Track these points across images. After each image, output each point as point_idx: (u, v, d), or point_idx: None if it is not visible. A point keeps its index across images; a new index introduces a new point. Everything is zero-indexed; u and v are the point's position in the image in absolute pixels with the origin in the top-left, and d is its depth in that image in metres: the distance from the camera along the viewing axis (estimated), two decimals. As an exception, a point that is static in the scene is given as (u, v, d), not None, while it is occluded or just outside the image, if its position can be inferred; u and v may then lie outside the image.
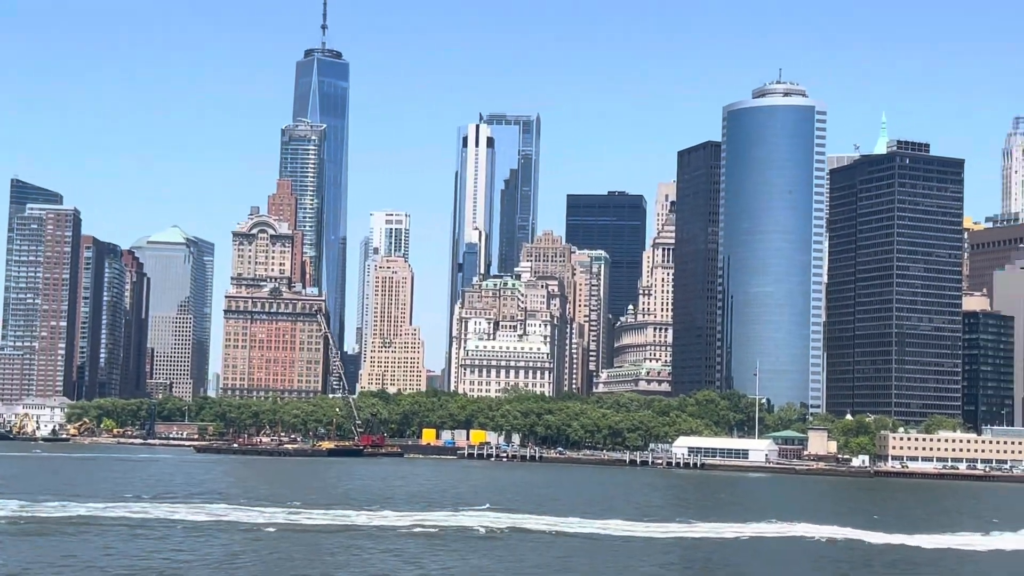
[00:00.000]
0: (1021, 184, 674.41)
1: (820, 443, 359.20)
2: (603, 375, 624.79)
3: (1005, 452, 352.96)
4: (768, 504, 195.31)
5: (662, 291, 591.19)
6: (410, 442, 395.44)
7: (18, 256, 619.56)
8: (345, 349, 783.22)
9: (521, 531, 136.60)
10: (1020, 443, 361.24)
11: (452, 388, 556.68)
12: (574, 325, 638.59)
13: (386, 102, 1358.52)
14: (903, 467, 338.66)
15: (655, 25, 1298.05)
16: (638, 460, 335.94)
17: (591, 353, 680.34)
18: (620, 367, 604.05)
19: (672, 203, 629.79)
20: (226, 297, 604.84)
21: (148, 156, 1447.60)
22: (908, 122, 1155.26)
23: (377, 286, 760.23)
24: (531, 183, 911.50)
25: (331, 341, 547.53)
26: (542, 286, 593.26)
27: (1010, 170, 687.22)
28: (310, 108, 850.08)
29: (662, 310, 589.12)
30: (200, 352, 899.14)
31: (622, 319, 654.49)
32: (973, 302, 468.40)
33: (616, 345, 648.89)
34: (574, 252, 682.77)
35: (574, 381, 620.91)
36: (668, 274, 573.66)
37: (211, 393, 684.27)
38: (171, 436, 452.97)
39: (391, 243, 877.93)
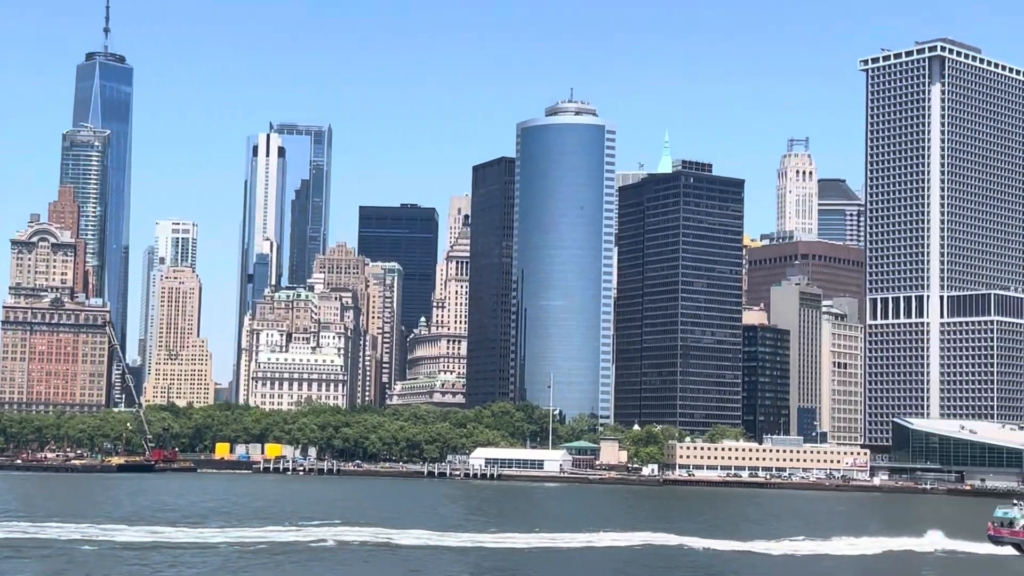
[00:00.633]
0: (795, 203, 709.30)
1: (612, 453, 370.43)
2: (397, 387, 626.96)
3: (783, 460, 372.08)
4: (567, 513, 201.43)
5: (456, 304, 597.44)
6: (203, 456, 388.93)
7: None
8: (127, 361, 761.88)
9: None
10: (797, 451, 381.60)
11: (242, 401, 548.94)
12: (367, 337, 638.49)
13: (173, 109, 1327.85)
14: (690, 475, 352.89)
15: (451, 39, 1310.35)
16: (436, 472, 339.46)
17: (384, 365, 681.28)
18: (414, 379, 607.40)
19: (466, 217, 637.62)
20: (3, 307, 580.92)
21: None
22: (691, 142, 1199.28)
23: (163, 296, 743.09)
24: (323, 194, 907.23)
25: (118, 353, 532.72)
26: (335, 298, 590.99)
27: (784, 190, 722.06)
28: (91, 113, 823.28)
29: (456, 322, 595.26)
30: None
31: (415, 331, 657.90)
32: (752, 316, 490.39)
33: (410, 357, 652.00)
34: (367, 264, 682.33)
35: (367, 393, 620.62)
36: (462, 287, 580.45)
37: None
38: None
39: (177, 253, 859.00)
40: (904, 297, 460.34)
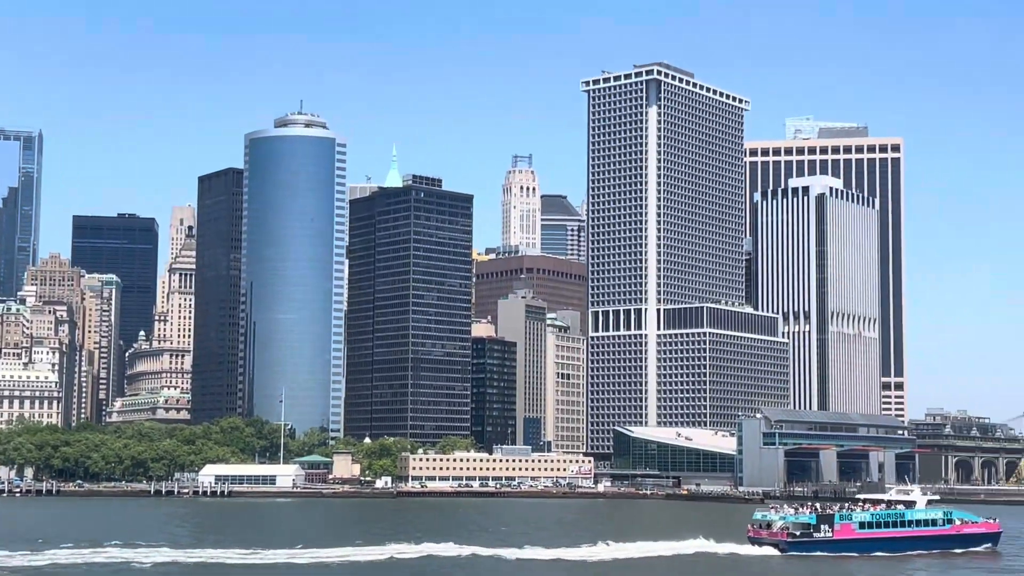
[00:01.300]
0: (519, 219, 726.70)
1: (345, 466, 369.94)
2: (117, 404, 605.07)
3: (513, 469, 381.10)
4: (295, 528, 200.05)
5: (179, 317, 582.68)
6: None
7: None
8: None
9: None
10: (525, 460, 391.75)
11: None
12: (83, 352, 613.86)
13: None
14: (423, 487, 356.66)
15: (174, 47, 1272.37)
16: (163, 490, 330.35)
17: (102, 381, 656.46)
18: (136, 395, 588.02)
19: (189, 228, 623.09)
20: None
21: None
22: (418, 156, 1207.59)
23: None
24: (32, 202, 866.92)
25: None
26: (49, 311, 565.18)
27: (509, 205, 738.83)
28: None
29: (179, 336, 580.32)
30: None
31: (135, 346, 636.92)
32: (480, 329, 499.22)
33: (129, 373, 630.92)
34: (83, 276, 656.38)
35: (84, 410, 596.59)
36: (186, 300, 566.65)
37: None
38: None
39: None
40: (624, 310, 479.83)
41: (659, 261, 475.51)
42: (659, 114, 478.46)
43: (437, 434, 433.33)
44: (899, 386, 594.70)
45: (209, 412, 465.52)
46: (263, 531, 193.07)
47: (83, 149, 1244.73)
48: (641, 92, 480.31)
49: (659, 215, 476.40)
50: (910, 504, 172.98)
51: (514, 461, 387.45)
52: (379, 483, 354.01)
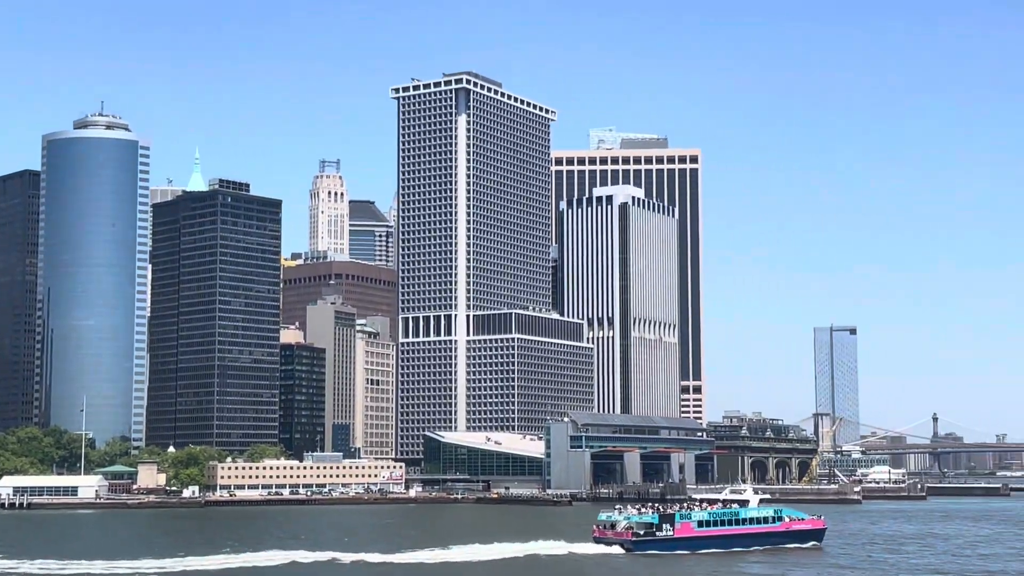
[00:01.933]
0: (327, 224, 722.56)
1: (150, 476, 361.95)
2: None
3: (324, 477, 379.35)
4: (95, 541, 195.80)
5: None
6: None
7: None
8: None
9: None
10: (336, 467, 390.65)
11: None
12: None
13: None
14: (231, 495, 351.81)
15: None
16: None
17: None
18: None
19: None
20: None
21: None
22: (222, 159, 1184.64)
23: None
24: None
25: None
26: None
27: (317, 210, 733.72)
28: None
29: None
30: None
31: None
32: (288, 335, 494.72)
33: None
34: None
35: None
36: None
37: None
38: None
39: None
40: (434, 316, 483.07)
41: (468, 267, 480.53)
42: (468, 122, 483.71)
43: (244, 442, 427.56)
44: (697, 389, 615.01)
45: (2, 422, 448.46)
46: (73, 543, 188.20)
47: None
48: (450, 100, 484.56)
49: (468, 222, 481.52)
50: (744, 503, 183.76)
51: (325, 468, 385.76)
52: (186, 492, 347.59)
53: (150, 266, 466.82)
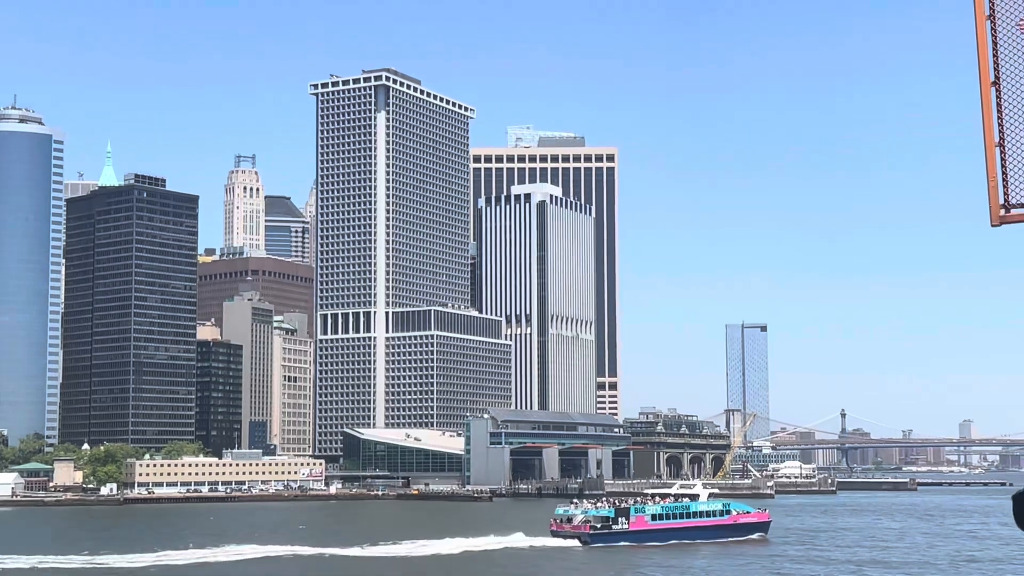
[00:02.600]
0: (243, 219, 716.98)
1: (66, 474, 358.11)
2: None
3: (242, 473, 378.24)
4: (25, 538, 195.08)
5: None
6: None
7: None
8: None
9: None
10: (256, 464, 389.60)
11: None
12: None
13: None
14: (150, 493, 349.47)
15: None
16: None
17: None
18: None
19: None
20: None
21: None
22: (135, 154, 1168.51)
23: None
24: None
25: None
26: None
27: (232, 206, 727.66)
28: None
29: None
30: None
31: None
32: (205, 331, 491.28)
33: None
34: None
35: None
36: None
37: None
38: None
39: None
40: (353, 313, 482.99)
41: (388, 264, 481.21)
42: (387, 119, 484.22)
43: (160, 439, 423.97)
44: (613, 386, 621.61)
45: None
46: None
47: None
48: (370, 97, 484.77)
49: (388, 219, 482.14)
50: (694, 497, 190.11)
51: (244, 465, 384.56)
52: (104, 490, 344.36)
53: (64, 261, 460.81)
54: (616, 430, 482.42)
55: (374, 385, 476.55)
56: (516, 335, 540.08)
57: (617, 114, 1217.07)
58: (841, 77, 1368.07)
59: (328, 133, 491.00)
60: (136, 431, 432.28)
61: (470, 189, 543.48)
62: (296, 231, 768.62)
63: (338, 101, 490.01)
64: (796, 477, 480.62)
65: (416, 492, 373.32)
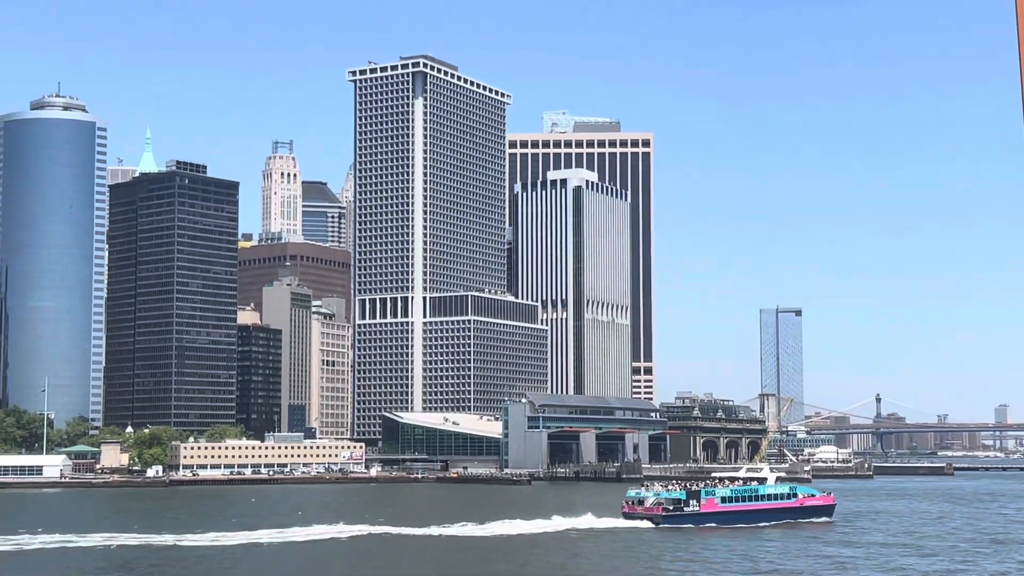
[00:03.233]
0: (280, 205, 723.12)
1: (113, 456, 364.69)
2: None
3: (284, 456, 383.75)
4: (62, 517, 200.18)
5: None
6: None
7: None
8: None
9: None
10: (297, 447, 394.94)
11: None
12: None
13: None
14: (194, 475, 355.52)
15: None
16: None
17: None
18: None
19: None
20: None
21: None
22: (174, 140, 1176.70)
23: None
24: None
25: None
26: None
27: (270, 191, 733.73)
28: None
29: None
30: None
31: None
32: (245, 316, 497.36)
33: None
34: None
35: None
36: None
37: None
38: None
39: None
40: (391, 298, 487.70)
41: (425, 250, 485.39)
42: (425, 105, 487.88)
43: (202, 422, 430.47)
44: (648, 370, 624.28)
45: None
46: (62, 519, 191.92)
47: None
48: (407, 84, 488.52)
49: (425, 205, 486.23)
50: (762, 480, 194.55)
51: (285, 448, 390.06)
52: (150, 472, 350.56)
53: (107, 247, 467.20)
54: (652, 415, 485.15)
55: (411, 369, 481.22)
56: (552, 320, 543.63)
57: (652, 99, 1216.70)
58: (886, 59, 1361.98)
59: (366, 119, 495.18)
60: (178, 414, 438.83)
61: (506, 175, 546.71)
62: (332, 216, 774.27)
63: (376, 88, 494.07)
64: (832, 461, 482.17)
65: (455, 475, 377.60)
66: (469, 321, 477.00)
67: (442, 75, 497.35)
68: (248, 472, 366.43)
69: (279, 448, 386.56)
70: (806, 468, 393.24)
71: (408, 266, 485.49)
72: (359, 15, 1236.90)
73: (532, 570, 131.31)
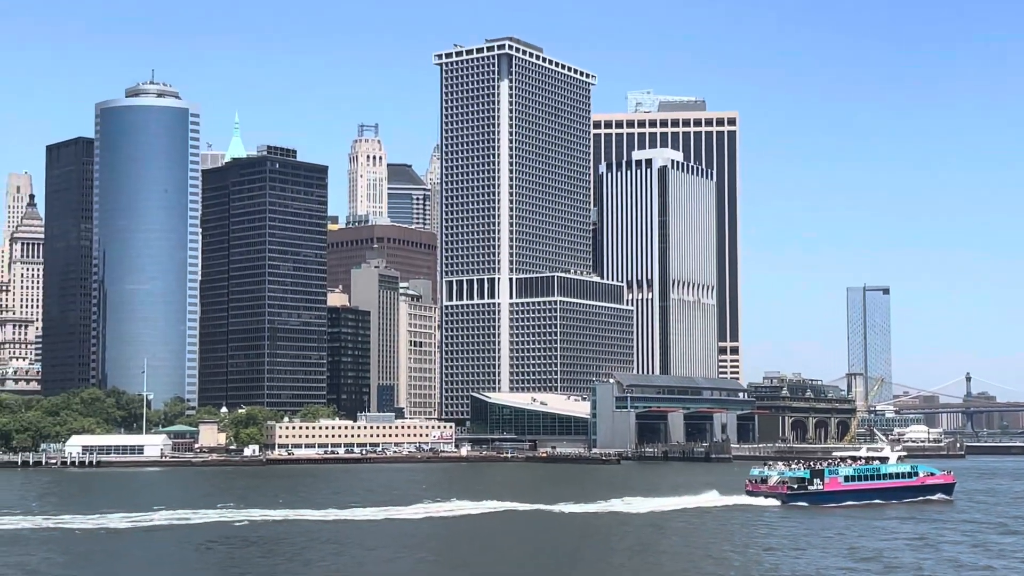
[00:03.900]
0: (366, 187, 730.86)
1: (211, 435, 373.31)
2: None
3: (377, 436, 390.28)
4: (163, 494, 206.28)
5: (23, 287, 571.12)
6: None
7: None
8: None
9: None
10: (389, 427, 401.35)
11: None
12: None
13: None
14: (289, 454, 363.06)
15: (27, 18, 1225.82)
16: (31, 461, 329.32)
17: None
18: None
19: (31, 196, 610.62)
20: None
21: None
22: (261, 124, 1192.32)
23: None
24: None
25: None
26: None
27: (356, 174, 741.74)
28: None
29: (23, 307, 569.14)
30: None
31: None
32: (335, 298, 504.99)
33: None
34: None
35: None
36: (30, 269, 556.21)
37: None
38: None
39: None
40: (477, 280, 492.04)
41: (511, 231, 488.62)
42: (510, 87, 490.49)
43: (294, 402, 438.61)
44: (734, 350, 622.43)
45: (60, 383, 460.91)
46: (180, 497, 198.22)
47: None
48: (493, 66, 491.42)
49: (511, 186, 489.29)
50: (884, 459, 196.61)
51: (377, 428, 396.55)
52: (247, 451, 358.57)
53: (200, 231, 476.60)
54: (740, 395, 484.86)
55: (498, 350, 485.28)
56: (637, 300, 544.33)
57: (738, 77, 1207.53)
58: (972, 40, 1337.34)
59: (452, 102, 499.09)
60: (271, 395, 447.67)
61: (591, 155, 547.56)
62: (417, 199, 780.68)
63: (462, 70, 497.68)
64: (923, 441, 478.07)
65: (544, 455, 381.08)
66: (555, 302, 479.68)
67: (527, 57, 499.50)
68: (341, 451, 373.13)
69: (371, 428, 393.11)
70: (897, 447, 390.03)
71: (495, 247, 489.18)
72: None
73: (723, 546, 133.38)
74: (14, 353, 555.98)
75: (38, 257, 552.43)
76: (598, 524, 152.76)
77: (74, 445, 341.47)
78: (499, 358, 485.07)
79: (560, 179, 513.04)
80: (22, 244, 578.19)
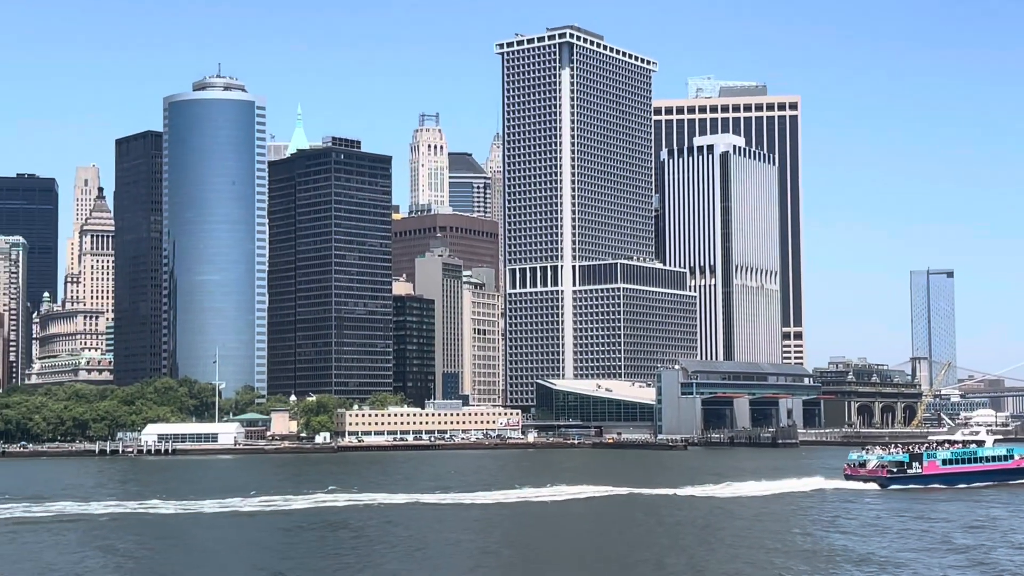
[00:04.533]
0: (427, 176, 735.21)
1: (283, 423, 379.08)
2: (36, 366, 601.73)
3: (444, 423, 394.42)
4: (245, 480, 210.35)
5: (92, 279, 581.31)
6: None
7: None
8: None
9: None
10: (456, 414, 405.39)
11: None
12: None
13: None
14: (359, 441, 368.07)
15: (95, 13, 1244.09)
16: (108, 450, 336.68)
17: (11, 343, 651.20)
18: (54, 357, 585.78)
19: (100, 189, 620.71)
20: None
21: None
22: (324, 115, 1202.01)
23: None
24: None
25: None
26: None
27: (418, 163, 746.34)
28: None
29: (93, 298, 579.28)
30: None
31: (43, 307, 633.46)
32: (399, 287, 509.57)
33: (42, 335, 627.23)
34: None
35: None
36: (99, 261, 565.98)
37: None
38: None
39: None
40: (540, 268, 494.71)
41: (574, 219, 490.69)
42: (572, 76, 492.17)
43: (361, 390, 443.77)
44: (798, 335, 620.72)
45: (133, 373, 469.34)
46: (255, 485, 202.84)
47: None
48: (554, 54, 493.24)
49: (573, 174, 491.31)
50: (981, 443, 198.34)
51: (445, 415, 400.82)
52: (318, 439, 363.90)
53: (268, 222, 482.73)
54: (805, 380, 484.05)
55: (562, 337, 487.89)
56: (700, 286, 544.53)
57: (799, 61, 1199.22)
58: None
59: (514, 91, 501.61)
60: (339, 383, 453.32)
61: (652, 142, 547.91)
62: (478, 187, 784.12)
63: (523, 59, 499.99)
64: (991, 425, 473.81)
65: (611, 441, 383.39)
66: (618, 289, 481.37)
67: (588, 45, 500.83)
68: (410, 438, 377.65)
69: (439, 415, 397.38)
70: (965, 432, 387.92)
71: (557, 235, 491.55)
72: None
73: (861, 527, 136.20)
74: (86, 344, 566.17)
75: (108, 249, 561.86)
76: (731, 506, 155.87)
77: (150, 433, 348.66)
78: (563, 345, 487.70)
79: (622, 166, 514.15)
80: (92, 236, 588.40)
